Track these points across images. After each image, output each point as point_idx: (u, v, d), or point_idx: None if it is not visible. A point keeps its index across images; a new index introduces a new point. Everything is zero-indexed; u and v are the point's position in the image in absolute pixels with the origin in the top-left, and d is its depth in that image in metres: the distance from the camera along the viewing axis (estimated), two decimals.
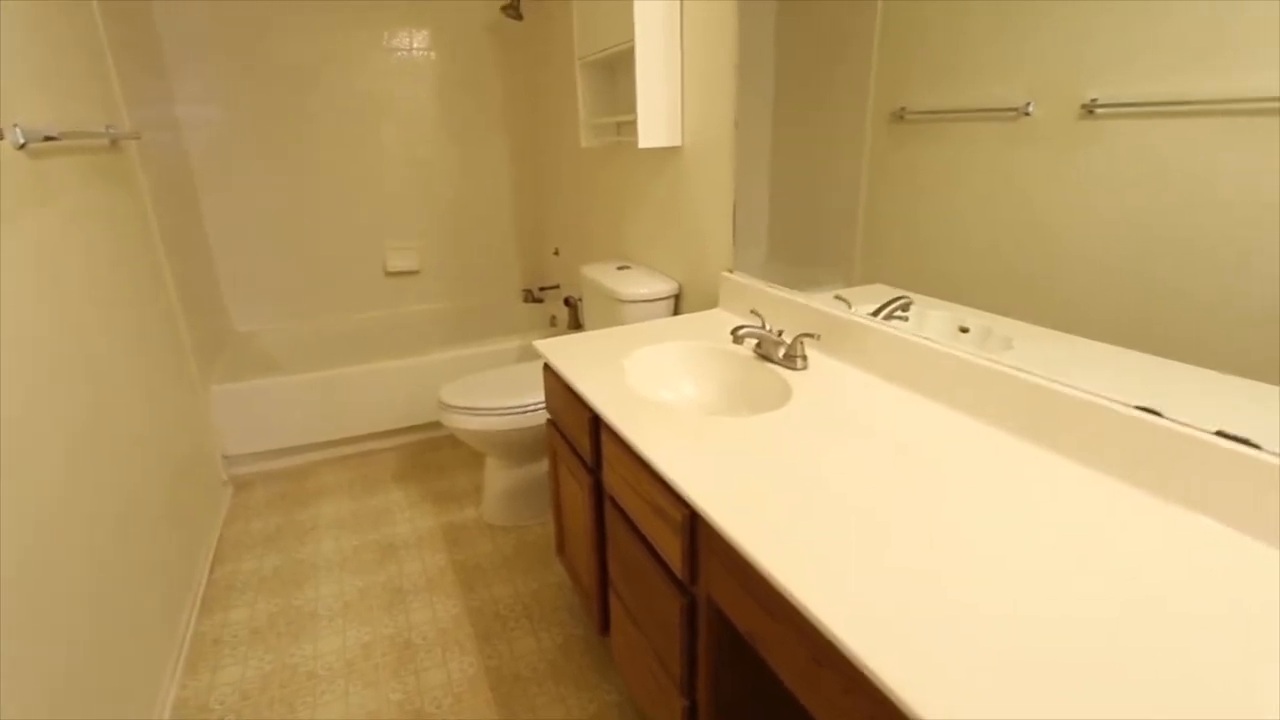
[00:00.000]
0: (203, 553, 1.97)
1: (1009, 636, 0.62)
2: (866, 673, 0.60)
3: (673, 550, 1.00)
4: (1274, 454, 0.74)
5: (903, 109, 1.18)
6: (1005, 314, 1.05)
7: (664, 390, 1.42)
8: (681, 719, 1.09)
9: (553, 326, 3.09)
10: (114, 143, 1.82)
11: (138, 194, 1.97)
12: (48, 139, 1.34)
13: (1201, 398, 0.82)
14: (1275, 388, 0.75)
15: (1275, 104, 0.71)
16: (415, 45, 2.97)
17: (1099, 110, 0.88)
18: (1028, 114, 0.97)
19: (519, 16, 2.82)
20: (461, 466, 2.55)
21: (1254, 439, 0.77)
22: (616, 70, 2.11)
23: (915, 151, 1.16)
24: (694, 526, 0.95)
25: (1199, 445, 0.80)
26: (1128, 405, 0.88)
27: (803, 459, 0.96)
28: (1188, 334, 0.83)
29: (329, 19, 2.80)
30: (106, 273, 1.61)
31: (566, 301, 2.83)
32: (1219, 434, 0.80)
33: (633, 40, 1.73)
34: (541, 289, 3.35)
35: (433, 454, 2.66)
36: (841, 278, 1.39)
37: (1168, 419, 0.84)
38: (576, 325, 2.81)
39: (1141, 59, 0.82)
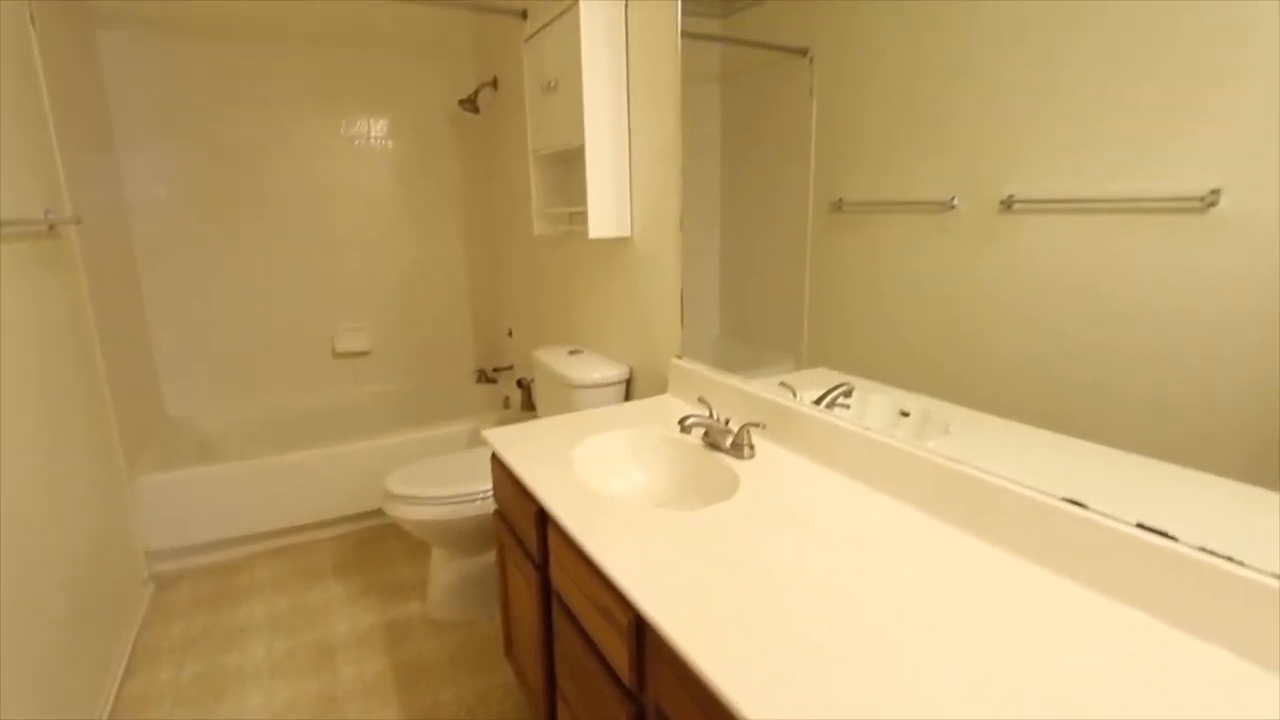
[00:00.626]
0: (114, 662, 1.81)
1: None
2: None
3: (620, 656, 0.97)
4: (1190, 545, 0.78)
5: (840, 199, 1.26)
6: (942, 397, 1.10)
7: (614, 479, 1.41)
8: None
9: (506, 408, 3.07)
10: (52, 228, 1.78)
11: (74, 279, 1.92)
12: None
13: (1121, 483, 0.86)
14: (1191, 471, 0.80)
15: (1176, 204, 0.78)
16: (373, 134, 3.05)
17: (1016, 205, 0.96)
18: (953, 207, 1.05)
19: (476, 110, 2.94)
20: (406, 556, 2.44)
21: (1170, 530, 0.81)
22: (568, 163, 2.20)
23: (853, 239, 1.23)
24: (641, 631, 0.93)
25: (1121, 537, 0.83)
26: (1054, 497, 0.91)
27: (750, 555, 0.96)
28: (1109, 418, 0.88)
29: (285, 104, 2.85)
30: (31, 359, 1.54)
31: (520, 383, 2.82)
32: (1139, 526, 0.84)
33: (583, 141, 1.81)
34: (495, 370, 3.34)
35: (376, 544, 2.55)
36: (790, 357, 1.43)
37: (1092, 510, 0.88)
38: (530, 407, 2.79)
39: (1055, 160, 0.90)
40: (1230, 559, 0.75)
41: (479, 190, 3.32)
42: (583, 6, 1.74)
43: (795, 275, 1.39)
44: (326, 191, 2.99)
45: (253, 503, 2.42)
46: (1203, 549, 0.77)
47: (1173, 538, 0.80)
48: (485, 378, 3.38)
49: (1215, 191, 0.75)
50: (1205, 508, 0.79)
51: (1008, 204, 0.97)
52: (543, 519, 1.26)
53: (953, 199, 1.05)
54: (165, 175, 2.70)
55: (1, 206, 1.48)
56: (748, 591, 0.87)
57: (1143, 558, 0.81)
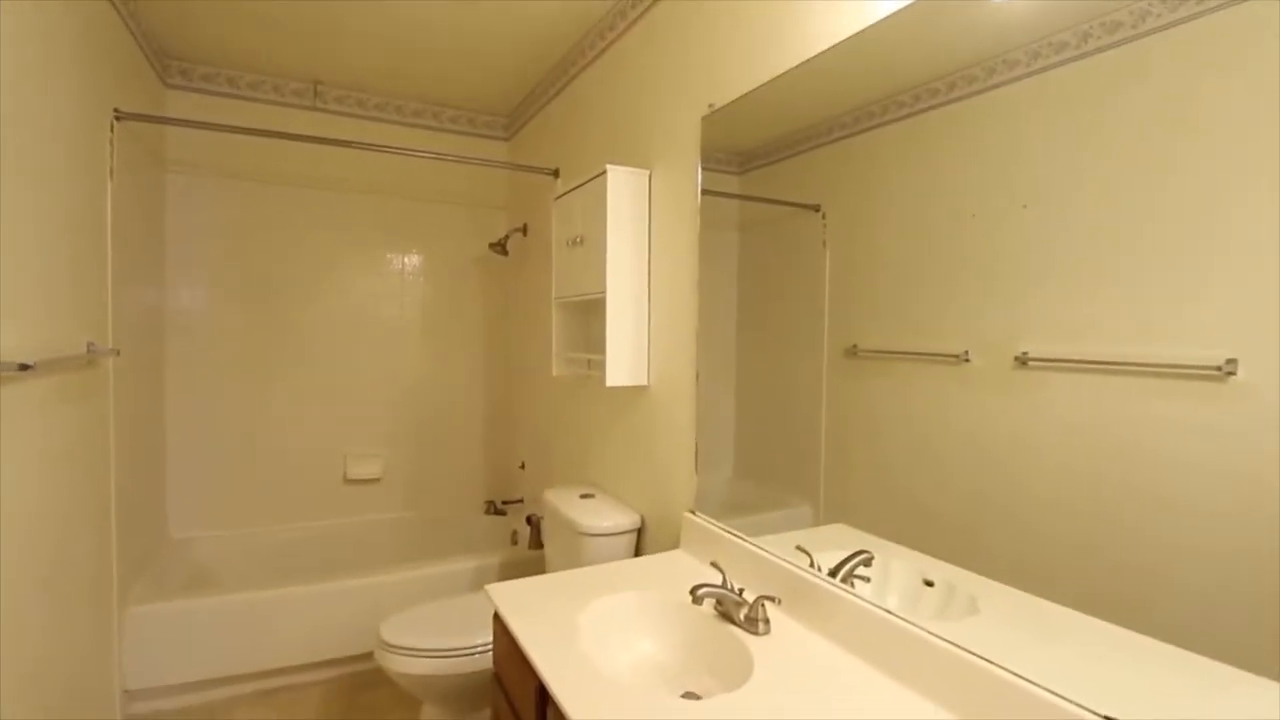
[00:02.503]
0: None
1: None
2: None
3: None
4: None
5: (855, 346, 1.28)
6: (965, 562, 1.05)
7: (622, 650, 1.33)
8: None
9: (514, 544, 2.98)
10: (92, 361, 1.85)
11: (103, 406, 1.97)
12: (22, 366, 1.36)
13: (1159, 682, 0.80)
14: (1240, 672, 0.73)
15: (1193, 371, 0.78)
16: (407, 270, 3.21)
17: (1031, 362, 0.96)
18: (967, 360, 1.05)
19: (505, 252, 3.11)
20: (396, 708, 2.28)
21: None
22: (589, 312, 2.28)
23: (869, 384, 1.24)
24: None
25: None
26: (1097, 715, 0.84)
27: None
28: (1138, 596, 0.82)
29: (331, 243, 3.04)
30: (48, 485, 1.54)
31: (529, 520, 2.76)
32: None
33: (604, 292, 1.90)
34: (505, 502, 3.29)
35: (367, 690, 2.39)
36: (806, 502, 1.40)
37: None
38: (538, 545, 2.71)
39: (1065, 321, 0.91)
40: None
41: (500, 327, 3.44)
42: (610, 176, 1.88)
43: (811, 418, 1.39)
44: (356, 322, 3.11)
45: (241, 639, 2.31)
46: None
47: None
48: (495, 509, 3.32)
49: (1232, 361, 0.75)
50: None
51: (1022, 360, 0.97)
52: (543, 696, 1.18)
53: (966, 352, 1.06)
54: (206, 303, 2.83)
55: (51, 343, 1.55)
56: None
57: None
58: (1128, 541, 0.84)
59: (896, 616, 1.12)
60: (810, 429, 1.39)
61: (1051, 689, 0.90)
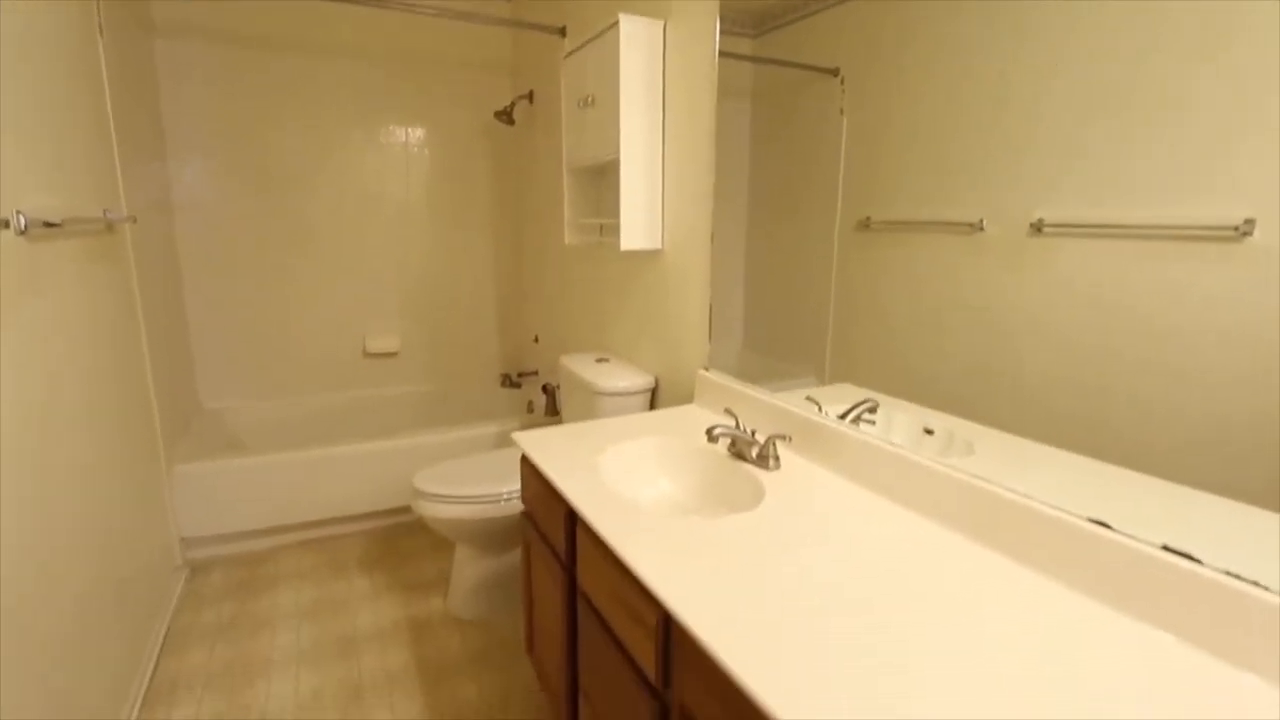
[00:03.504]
0: (150, 642, 1.87)
1: None
2: None
3: (646, 655, 1.00)
4: (1214, 569, 0.80)
5: (868, 218, 1.29)
6: (967, 415, 1.11)
7: (641, 486, 1.44)
8: None
9: (530, 413, 3.11)
10: (110, 226, 1.87)
11: (127, 274, 2.01)
12: (48, 225, 1.39)
13: (1148, 507, 0.88)
14: (1216, 498, 0.81)
15: (1210, 231, 0.80)
16: (411, 143, 3.13)
17: (1046, 229, 0.98)
18: (982, 229, 1.07)
19: (511, 122, 3.01)
20: (430, 554, 2.49)
21: (1195, 553, 0.82)
22: (602, 176, 2.25)
23: (880, 256, 1.26)
24: (668, 631, 0.96)
25: (1144, 558, 0.85)
26: (1080, 517, 0.93)
27: (775, 562, 0.99)
28: (1137, 442, 0.89)
29: (329, 114, 2.95)
30: (91, 353, 1.61)
31: (544, 389, 2.87)
32: (1164, 548, 0.85)
33: (618, 155, 1.86)
34: (520, 374, 3.39)
35: (401, 540, 2.60)
36: (814, 372, 1.46)
37: (1117, 532, 0.89)
38: (554, 412, 2.83)
39: (1085, 185, 0.92)
40: (1256, 584, 0.76)
41: (510, 199, 3.39)
42: (623, 26, 1.79)
43: (820, 290, 1.41)
44: (362, 197, 3.08)
45: (283, 495, 2.49)
46: (1227, 573, 0.79)
47: (1197, 560, 0.82)
48: (510, 382, 3.43)
49: (1250, 221, 0.76)
50: (1233, 533, 0.80)
51: (1037, 227, 0.99)
52: (572, 520, 1.30)
53: (981, 220, 1.07)
54: (210, 179, 2.80)
55: (71, 208, 1.56)
56: (773, 597, 0.90)
57: (1165, 580, 0.83)
58: (1130, 410, 0.88)
59: (899, 449, 1.20)
60: (820, 302, 1.42)
61: (1038, 498, 0.98)
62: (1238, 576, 0.78)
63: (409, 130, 3.12)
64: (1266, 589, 0.76)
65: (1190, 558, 0.83)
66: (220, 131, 2.78)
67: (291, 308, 3.05)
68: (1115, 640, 0.82)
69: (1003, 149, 1.03)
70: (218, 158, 2.79)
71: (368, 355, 3.23)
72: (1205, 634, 0.80)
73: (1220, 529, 0.81)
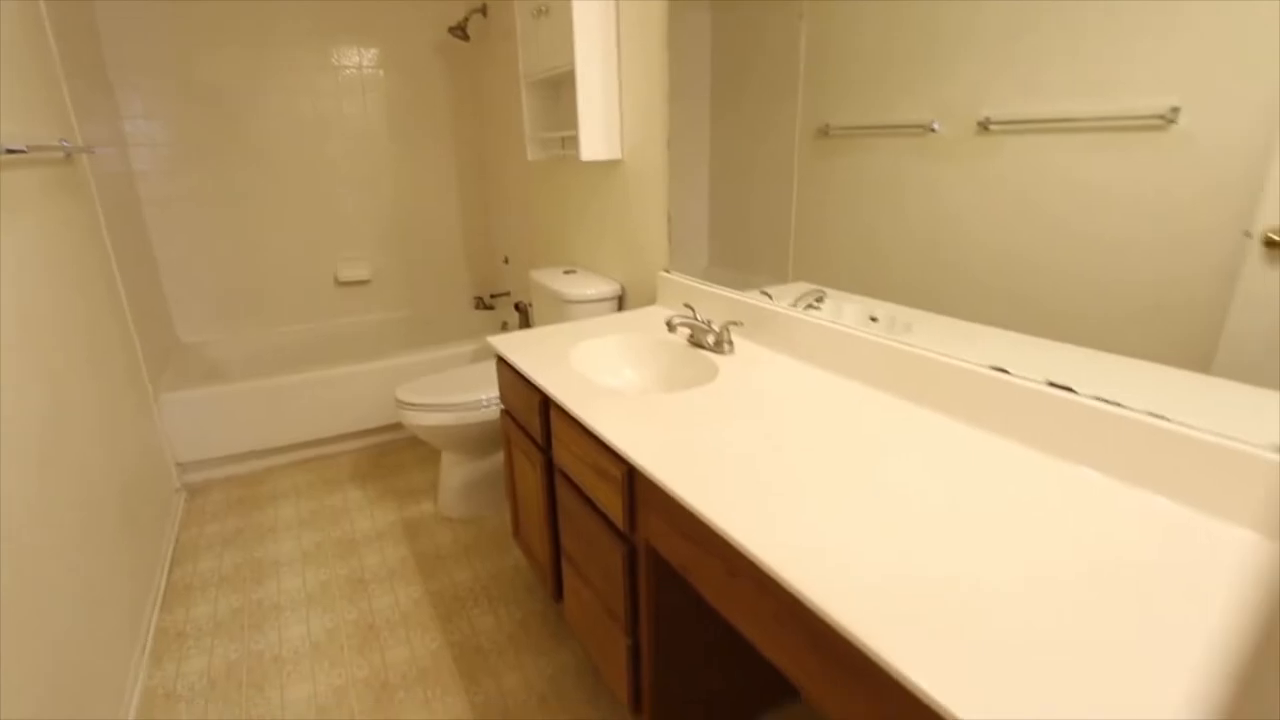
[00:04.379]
0: (160, 555, 2.01)
1: (854, 529, 0.79)
2: (773, 575, 0.77)
3: (614, 505, 1.15)
4: (1087, 395, 0.95)
5: (827, 125, 1.34)
6: (917, 306, 1.21)
7: (608, 377, 1.57)
8: (626, 657, 1.23)
9: (505, 331, 3.21)
10: (68, 156, 1.87)
11: (91, 207, 2.02)
12: (11, 151, 1.41)
13: (1056, 364, 1.00)
14: (1120, 356, 0.94)
15: (1139, 121, 0.87)
16: (364, 64, 3.07)
17: (992, 126, 1.04)
18: (934, 130, 1.13)
19: (465, 37, 2.96)
20: (418, 466, 2.64)
21: (1075, 387, 0.97)
22: (559, 88, 2.27)
23: (838, 163, 1.32)
24: (632, 482, 1.10)
25: (1032, 393, 1.00)
26: (984, 366, 1.08)
27: (720, 425, 1.13)
28: (1068, 315, 1.02)
29: (274, 36, 2.87)
30: (66, 283, 1.66)
31: (517, 306, 2.96)
32: (1049, 384, 1.00)
33: (573, 64, 1.89)
34: (493, 296, 3.47)
35: (389, 456, 2.74)
36: (776, 279, 1.55)
37: (1013, 375, 1.04)
38: (527, 328, 2.93)
39: (1027, 80, 0.98)
40: (1118, 404, 0.92)
41: (470, 119, 3.36)
42: None
43: (782, 200, 1.47)
44: (319, 123, 3.04)
45: (271, 418, 2.59)
46: (1096, 398, 0.94)
47: (1072, 390, 0.97)
48: (483, 304, 3.51)
49: (1175, 109, 0.83)
50: (1119, 377, 0.94)
51: (984, 125, 1.05)
52: (545, 407, 1.43)
53: (933, 122, 1.13)
54: (159, 111, 2.74)
55: (23, 134, 1.57)
56: (715, 448, 1.04)
57: (1047, 407, 0.98)
58: (1064, 285, 0.97)
59: (838, 325, 1.34)
60: (781, 211, 1.47)
61: (953, 355, 1.13)
62: (1104, 400, 0.93)
63: (361, 50, 3.05)
64: (1122, 406, 0.91)
65: (1069, 389, 0.98)
66: (162, 60, 2.70)
67: (260, 240, 3.05)
68: (1000, 457, 0.98)
69: (950, 48, 1.07)
70: (163, 88, 2.73)
71: (340, 284, 3.27)
72: (1074, 447, 0.96)
73: (1110, 377, 0.94)
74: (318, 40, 2.95)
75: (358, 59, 3.05)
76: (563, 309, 2.13)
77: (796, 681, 0.79)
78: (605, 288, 2.11)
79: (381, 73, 3.11)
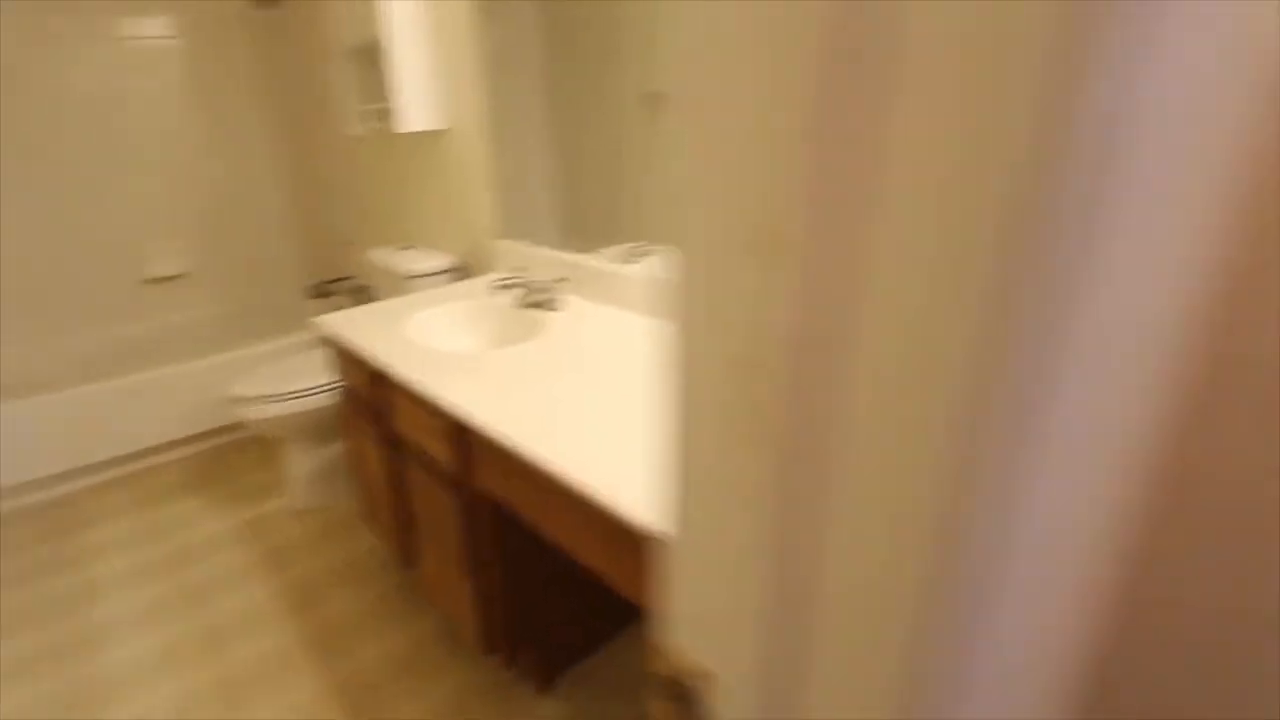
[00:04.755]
0: None
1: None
2: (555, 476, 0.85)
3: (446, 456, 1.20)
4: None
5: (658, 92, 1.41)
6: None
7: (441, 343, 1.59)
8: (470, 599, 1.29)
9: None
10: None
11: None
12: None
13: None
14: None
15: None
16: (151, 33, 2.77)
17: None
18: None
19: (273, 3, 2.76)
20: (257, 467, 2.50)
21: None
22: (376, 57, 2.20)
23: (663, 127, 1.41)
24: (461, 435, 1.15)
25: None
26: None
27: (543, 369, 1.21)
28: None
29: (24, 3, 2.52)
30: None
31: (358, 290, 2.85)
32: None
33: (380, 31, 1.85)
34: (332, 281, 3.30)
35: (222, 461, 2.56)
36: (613, 241, 1.59)
37: None
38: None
39: None
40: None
41: (290, 94, 3.15)
42: None
43: (614, 165, 1.52)
44: (109, 101, 2.72)
45: (81, 433, 2.34)
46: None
47: None
48: (319, 291, 3.33)
49: None
50: None
51: None
52: (379, 381, 1.43)
53: None
54: None
55: None
56: (537, 388, 1.12)
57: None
58: None
59: (649, 272, 1.45)
60: (615, 175, 1.52)
61: None
62: None
63: (145, 21, 2.75)
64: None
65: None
66: None
67: (43, 238, 2.69)
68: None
69: None
70: None
71: (150, 281, 2.97)
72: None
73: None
74: (92, 5, 2.62)
75: (144, 28, 2.75)
76: (402, 286, 2.10)
77: (571, 550, 0.89)
78: (441, 261, 2.11)
79: (177, 43, 2.83)
